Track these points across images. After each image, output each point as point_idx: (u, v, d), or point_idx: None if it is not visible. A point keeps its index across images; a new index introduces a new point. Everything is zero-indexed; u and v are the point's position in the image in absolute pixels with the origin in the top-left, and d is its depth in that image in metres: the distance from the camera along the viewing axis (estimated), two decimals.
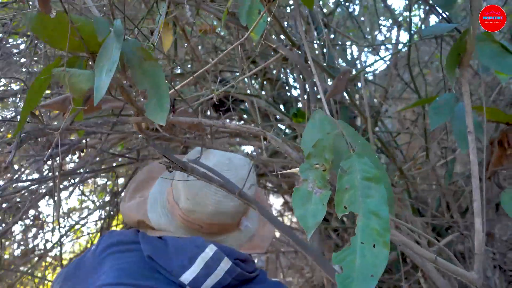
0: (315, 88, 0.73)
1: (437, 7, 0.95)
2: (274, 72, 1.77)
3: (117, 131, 0.70)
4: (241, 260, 0.80)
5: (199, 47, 1.56)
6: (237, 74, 1.56)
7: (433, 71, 2.00)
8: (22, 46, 1.41)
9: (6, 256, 1.69)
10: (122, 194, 1.64)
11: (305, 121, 1.13)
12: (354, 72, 1.63)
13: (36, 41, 1.07)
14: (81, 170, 1.00)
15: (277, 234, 2.33)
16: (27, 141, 0.52)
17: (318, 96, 0.72)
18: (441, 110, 0.85)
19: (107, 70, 0.48)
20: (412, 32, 1.17)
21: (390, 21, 1.88)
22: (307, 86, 1.51)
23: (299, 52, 0.80)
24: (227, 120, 0.57)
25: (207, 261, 0.76)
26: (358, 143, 0.56)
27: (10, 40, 1.35)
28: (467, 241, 1.03)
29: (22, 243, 1.76)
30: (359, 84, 1.34)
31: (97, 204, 1.82)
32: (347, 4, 1.60)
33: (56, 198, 0.68)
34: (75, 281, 0.81)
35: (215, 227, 0.83)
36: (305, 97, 1.24)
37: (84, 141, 0.77)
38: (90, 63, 0.60)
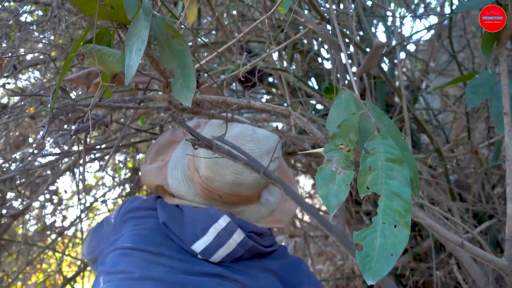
0: (346, 62, 0.78)
1: None
2: (305, 42, 1.80)
3: (144, 107, 0.77)
4: (257, 234, 0.87)
5: (224, 15, 1.61)
6: (265, 45, 1.61)
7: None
8: (39, 13, 1.50)
9: (20, 232, 1.82)
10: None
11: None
12: (394, 42, 1.65)
13: (57, 11, 1.14)
14: (103, 146, 1.08)
15: (307, 217, 2.39)
16: (59, 116, 0.60)
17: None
18: (480, 89, 0.88)
19: (136, 49, 0.54)
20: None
21: None
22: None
23: (329, 26, 0.84)
24: (252, 100, 0.63)
25: (219, 231, 0.83)
26: (384, 124, 0.61)
27: (27, 7, 1.43)
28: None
29: (39, 219, 1.89)
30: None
31: (117, 180, 1.92)
32: None
33: (81, 172, 0.76)
34: (101, 237, 0.93)
35: (234, 197, 0.90)
36: (337, 72, 1.28)
37: (108, 116, 0.84)
38: (118, 35, 0.66)
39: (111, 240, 0.88)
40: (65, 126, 0.88)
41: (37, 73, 1.45)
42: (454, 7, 1.06)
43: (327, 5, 0.91)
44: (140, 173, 0.97)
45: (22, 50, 1.33)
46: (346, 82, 0.82)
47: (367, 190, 0.55)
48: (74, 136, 0.82)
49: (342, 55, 0.72)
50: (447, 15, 1.04)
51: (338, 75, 0.82)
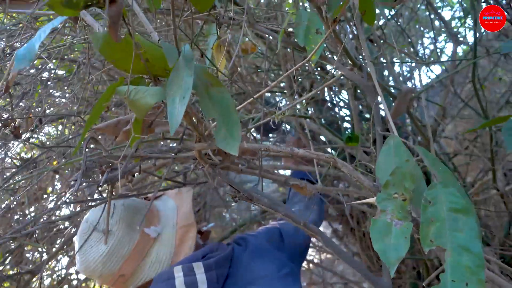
0: (385, 107, 0.73)
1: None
2: (319, 92, 1.78)
3: (179, 157, 0.72)
4: (210, 253, 0.85)
5: (239, 67, 1.59)
6: (280, 95, 1.58)
7: (490, 87, 1.95)
8: (60, 72, 1.48)
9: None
10: None
11: (358, 145, 1.12)
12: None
13: (82, 66, 1.12)
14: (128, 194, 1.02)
15: (324, 264, 2.27)
16: (93, 168, 0.54)
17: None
18: None
19: (180, 97, 0.49)
20: (471, 46, 1.15)
21: (443, 35, 1.86)
22: (360, 107, 1.50)
23: (361, 72, 0.80)
24: (295, 148, 0.58)
25: (184, 281, 0.77)
26: (439, 170, 0.55)
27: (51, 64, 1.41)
28: None
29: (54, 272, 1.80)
30: (414, 104, 1.33)
31: None
32: (396, 19, 1.60)
33: (106, 221, 0.70)
34: None
35: (121, 276, 0.85)
36: (358, 117, 1.23)
37: (137, 166, 0.79)
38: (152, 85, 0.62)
39: None
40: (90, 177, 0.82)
41: (60, 127, 1.41)
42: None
43: (358, 54, 0.87)
44: None
45: (46, 105, 1.30)
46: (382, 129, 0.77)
47: (431, 244, 0.48)
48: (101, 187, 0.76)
49: (380, 99, 0.67)
50: (473, 60, 1.00)
51: (371, 120, 0.76)
